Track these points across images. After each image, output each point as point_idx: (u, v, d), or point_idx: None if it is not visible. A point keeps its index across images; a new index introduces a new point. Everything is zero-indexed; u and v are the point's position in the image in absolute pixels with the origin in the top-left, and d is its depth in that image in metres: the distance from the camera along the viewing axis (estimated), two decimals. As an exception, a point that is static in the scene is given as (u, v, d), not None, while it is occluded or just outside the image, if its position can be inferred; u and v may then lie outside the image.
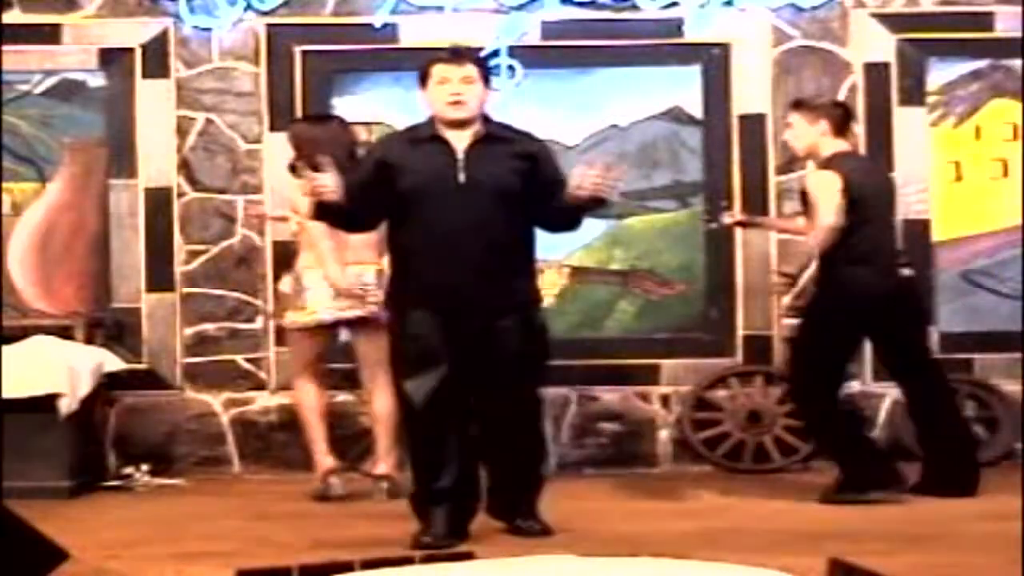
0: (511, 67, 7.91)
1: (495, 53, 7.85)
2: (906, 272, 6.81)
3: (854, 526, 5.94)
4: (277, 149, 7.57)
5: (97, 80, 8.00)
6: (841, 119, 6.84)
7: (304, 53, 7.94)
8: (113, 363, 7.52)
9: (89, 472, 7.33)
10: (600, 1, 7.94)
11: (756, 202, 7.88)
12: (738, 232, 7.81)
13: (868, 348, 7.90)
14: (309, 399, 7.01)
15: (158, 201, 7.93)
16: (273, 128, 7.82)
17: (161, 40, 7.92)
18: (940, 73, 8.02)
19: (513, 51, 7.91)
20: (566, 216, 5.54)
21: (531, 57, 7.93)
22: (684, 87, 8.00)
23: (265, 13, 7.94)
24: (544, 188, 5.47)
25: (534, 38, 7.95)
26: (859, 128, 7.95)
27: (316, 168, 5.48)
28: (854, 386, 7.83)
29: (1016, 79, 7.97)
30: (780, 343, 7.75)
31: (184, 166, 7.98)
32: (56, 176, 8.04)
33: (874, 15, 7.96)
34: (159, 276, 7.92)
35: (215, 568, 5.07)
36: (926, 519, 6.07)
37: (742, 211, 7.71)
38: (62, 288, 8.02)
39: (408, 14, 7.93)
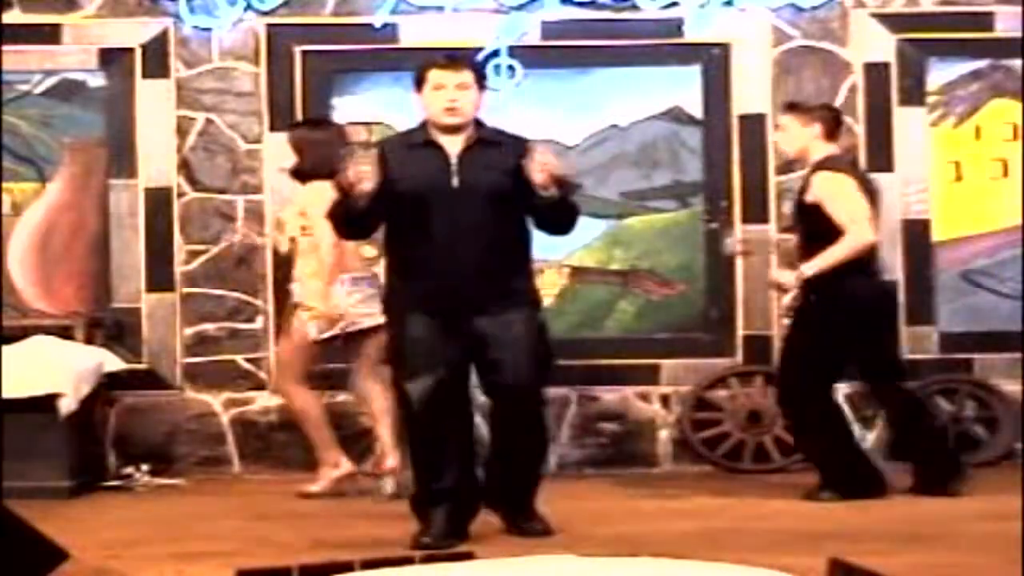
0: (511, 67, 7.91)
1: (495, 53, 7.86)
2: (886, 277, 6.88)
3: (854, 526, 5.94)
4: (277, 149, 7.56)
5: (97, 80, 8.01)
6: (833, 123, 6.85)
7: (304, 53, 7.95)
8: (113, 363, 7.52)
9: (89, 472, 7.34)
10: (600, 1, 7.94)
11: (756, 202, 7.88)
12: (738, 232, 7.80)
13: (868, 348, 7.93)
14: (314, 405, 7.04)
15: (158, 201, 7.93)
16: (273, 128, 7.82)
17: (161, 40, 7.93)
18: (940, 73, 8.02)
19: (513, 51, 7.91)
20: (549, 214, 5.51)
21: (531, 57, 7.93)
22: (684, 87, 8.00)
23: (265, 13, 7.95)
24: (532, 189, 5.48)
25: (534, 38, 7.95)
26: (859, 128, 7.96)
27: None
28: (854, 386, 7.83)
29: (1016, 79, 7.97)
30: (780, 343, 7.74)
31: (184, 166, 7.98)
32: (56, 176, 8.04)
33: (874, 15, 7.97)
34: (159, 276, 7.92)
35: (215, 568, 5.07)
36: (926, 519, 6.07)
37: (742, 211, 7.71)
38: (62, 288, 8.02)
39: (408, 14, 7.93)
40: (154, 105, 7.93)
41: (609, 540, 5.52)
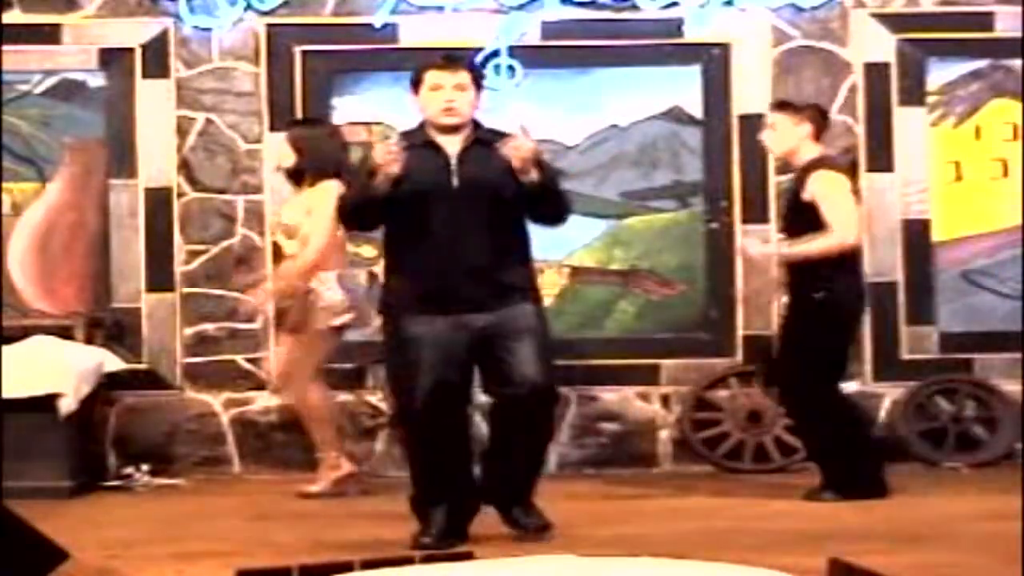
0: (511, 67, 7.91)
1: (495, 53, 7.86)
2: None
3: (854, 526, 5.94)
4: (277, 149, 7.56)
5: (97, 80, 8.01)
6: (822, 124, 6.85)
7: (304, 53, 7.95)
8: (113, 363, 7.51)
9: (89, 472, 7.34)
10: (600, 1, 7.94)
11: (756, 202, 7.89)
12: (738, 232, 7.81)
13: (868, 348, 7.93)
14: (326, 402, 7.08)
15: (158, 201, 7.93)
16: (273, 128, 7.82)
17: (161, 40, 7.93)
18: (940, 73, 8.02)
19: (513, 51, 7.91)
20: (537, 202, 5.48)
21: (531, 57, 7.93)
22: (684, 87, 8.00)
23: (265, 13, 7.95)
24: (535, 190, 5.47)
25: (534, 38, 7.95)
26: (859, 128, 7.96)
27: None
28: (854, 386, 7.84)
29: (1016, 79, 7.97)
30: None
31: (184, 166, 7.98)
32: (56, 176, 8.04)
33: (874, 15, 7.97)
34: (159, 276, 7.92)
35: (215, 568, 5.07)
36: (926, 519, 6.07)
37: (742, 211, 7.72)
38: (62, 288, 8.02)
39: (408, 14, 7.93)
40: (154, 105, 7.93)
41: (609, 540, 5.52)
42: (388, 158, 5.31)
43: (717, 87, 7.94)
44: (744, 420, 7.79)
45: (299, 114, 7.77)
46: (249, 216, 7.90)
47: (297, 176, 7.08)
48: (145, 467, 7.53)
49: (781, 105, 6.95)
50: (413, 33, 7.90)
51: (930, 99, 8.02)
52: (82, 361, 7.30)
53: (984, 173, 8.05)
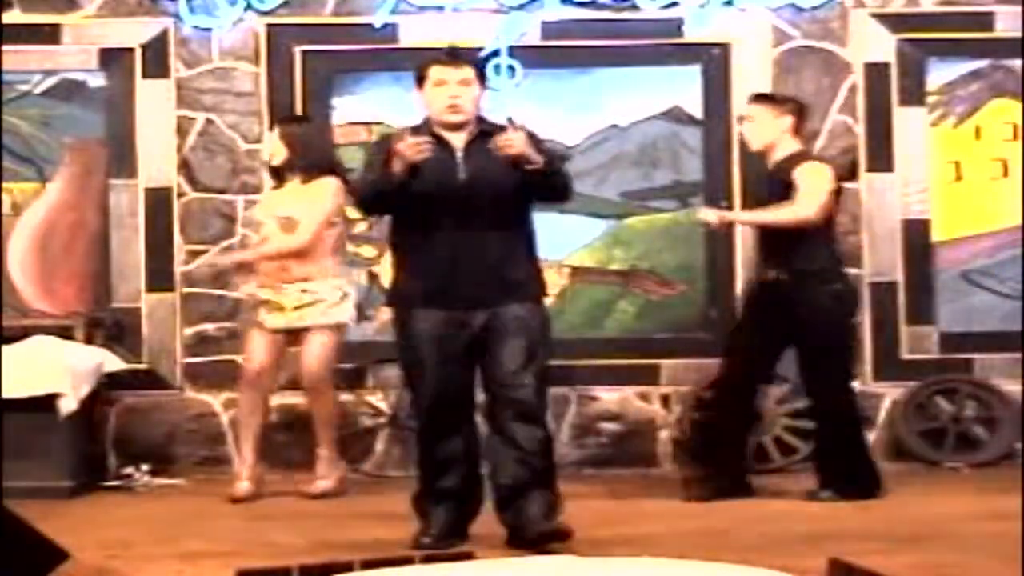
0: (511, 67, 7.91)
1: (495, 53, 7.85)
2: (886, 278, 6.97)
3: (854, 526, 5.94)
4: (267, 144, 7.56)
5: (97, 80, 8.01)
6: (801, 118, 6.84)
7: (304, 53, 7.95)
8: (113, 363, 7.51)
9: (89, 472, 7.33)
10: (600, 1, 7.94)
11: (756, 202, 7.85)
12: (738, 231, 7.80)
13: (868, 348, 7.93)
14: (337, 400, 7.16)
15: (158, 201, 7.93)
16: (273, 128, 7.81)
17: (161, 40, 7.93)
18: (940, 73, 8.02)
19: (513, 51, 7.91)
20: (539, 184, 5.45)
21: (531, 57, 7.93)
22: (684, 87, 8.00)
23: (265, 13, 7.95)
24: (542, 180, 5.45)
25: (534, 38, 7.95)
26: (859, 128, 7.96)
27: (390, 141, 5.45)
28: (854, 386, 7.83)
29: (1016, 79, 7.97)
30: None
31: (184, 166, 7.98)
32: (56, 176, 8.04)
33: (874, 15, 7.97)
34: (159, 276, 7.92)
35: (215, 568, 5.07)
36: (926, 519, 6.07)
37: (742, 211, 7.73)
38: (62, 288, 8.02)
39: (408, 14, 7.94)
40: (154, 105, 7.94)
41: (609, 540, 5.51)
42: (415, 148, 5.27)
43: (717, 87, 7.94)
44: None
45: (299, 114, 7.76)
46: (249, 216, 7.90)
47: (280, 172, 7.09)
48: (145, 467, 7.53)
49: (761, 97, 6.92)
50: (413, 33, 7.91)
51: (930, 99, 8.02)
52: (82, 361, 7.30)
53: (984, 173, 8.05)
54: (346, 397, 7.78)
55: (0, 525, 4.40)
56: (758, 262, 6.82)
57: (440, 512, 5.49)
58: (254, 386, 7.04)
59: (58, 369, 7.13)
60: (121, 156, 7.97)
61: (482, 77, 5.58)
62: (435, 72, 5.48)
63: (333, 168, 7.13)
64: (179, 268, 7.94)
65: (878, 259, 7.94)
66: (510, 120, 5.41)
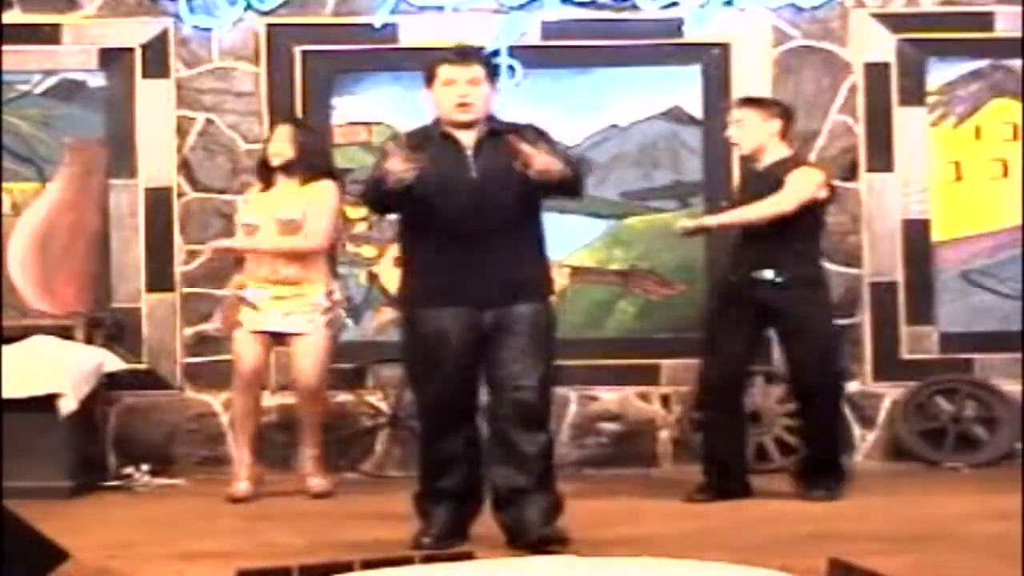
0: (511, 67, 7.91)
1: (495, 53, 7.85)
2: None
3: (854, 526, 5.94)
4: (272, 143, 7.55)
5: (97, 80, 8.01)
6: (788, 122, 6.84)
7: (304, 53, 7.95)
8: (113, 363, 7.51)
9: (89, 472, 7.33)
10: (600, 1, 7.94)
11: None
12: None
13: (868, 348, 7.93)
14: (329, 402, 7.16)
15: (158, 201, 7.94)
16: (275, 128, 7.81)
17: (161, 40, 7.93)
18: (940, 73, 8.03)
19: (513, 51, 7.91)
20: (551, 186, 5.44)
21: (531, 57, 7.93)
22: (684, 87, 8.00)
23: (265, 13, 7.95)
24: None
25: (534, 38, 7.96)
26: (859, 128, 7.97)
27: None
28: (854, 386, 7.84)
29: (1016, 79, 7.98)
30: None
31: (184, 166, 7.98)
32: (56, 176, 8.04)
33: (874, 15, 7.97)
34: (159, 276, 7.92)
35: (215, 568, 5.07)
36: (926, 519, 6.06)
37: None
38: (62, 288, 8.02)
39: (408, 14, 7.94)
40: (154, 105, 7.94)
41: (609, 540, 5.51)
42: (405, 166, 5.25)
43: (717, 87, 7.94)
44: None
45: (299, 114, 7.77)
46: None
47: (271, 173, 7.06)
48: (145, 467, 7.53)
49: (749, 101, 6.92)
50: (413, 33, 7.91)
51: (930, 99, 8.02)
52: (82, 361, 7.30)
53: (984, 173, 8.05)
54: (346, 397, 7.79)
55: (0, 525, 4.40)
56: (739, 261, 6.79)
57: (440, 512, 5.48)
58: (245, 387, 7.04)
59: (58, 369, 7.14)
60: (121, 156, 7.97)
61: (492, 76, 5.51)
62: (444, 71, 5.43)
63: (331, 171, 7.14)
64: (179, 268, 7.94)
65: (878, 259, 7.95)
66: (526, 131, 5.39)
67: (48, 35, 7.94)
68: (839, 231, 7.84)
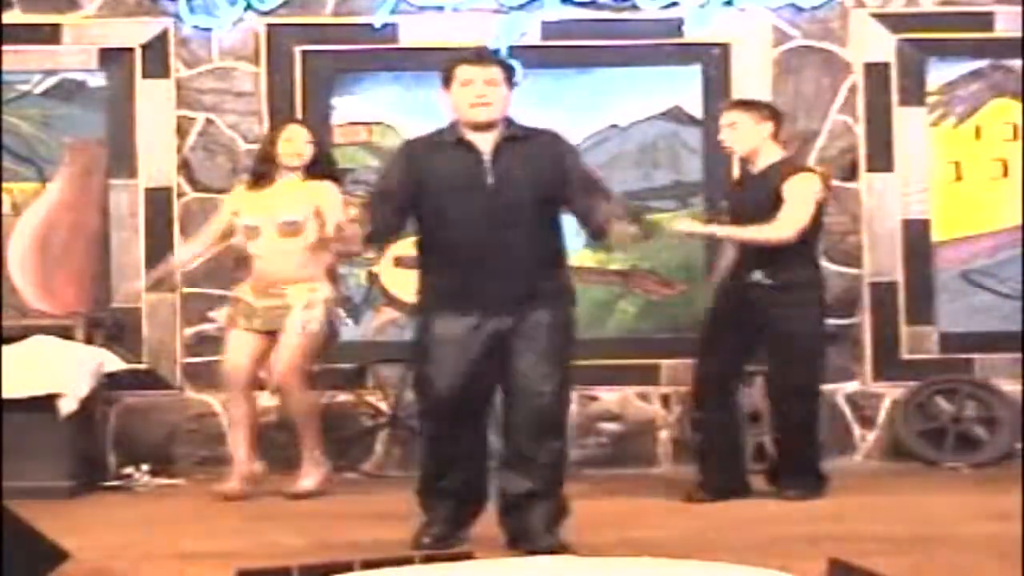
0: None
1: (495, 53, 7.84)
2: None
3: (854, 526, 5.93)
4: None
5: (97, 80, 8.01)
6: (779, 124, 6.85)
7: (304, 53, 7.95)
8: (113, 363, 7.51)
9: (89, 472, 7.33)
10: (600, 1, 7.94)
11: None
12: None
13: (868, 348, 7.93)
14: (317, 399, 7.08)
15: (158, 201, 7.94)
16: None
17: (161, 40, 7.93)
18: (940, 73, 8.03)
19: (513, 51, 7.91)
20: (591, 228, 5.48)
21: (531, 57, 7.93)
22: (684, 87, 8.00)
23: (265, 13, 7.95)
24: (571, 187, 5.38)
25: (534, 38, 7.95)
26: (859, 128, 7.97)
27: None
28: (854, 386, 7.85)
29: (1016, 79, 7.98)
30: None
31: (184, 166, 7.98)
32: (56, 176, 8.04)
33: (874, 15, 7.97)
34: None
35: (215, 568, 5.07)
36: (926, 519, 6.06)
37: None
38: (62, 288, 8.02)
39: (408, 14, 7.94)
40: (154, 105, 7.94)
41: (609, 540, 5.51)
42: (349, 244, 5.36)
43: (717, 87, 7.94)
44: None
45: (299, 114, 7.77)
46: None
47: (268, 172, 7.06)
48: (145, 467, 7.53)
49: (742, 104, 6.92)
50: (413, 33, 7.91)
51: (930, 99, 8.03)
52: (82, 361, 7.30)
53: (984, 173, 8.06)
54: (346, 397, 7.79)
55: (0, 525, 4.40)
56: (738, 261, 6.81)
57: (440, 512, 5.47)
58: (232, 385, 7.06)
59: (58, 369, 7.13)
60: (121, 156, 7.97)
61: (510, 78, 5.43)
62: (462, 71, 5.37)
63: (332, 171, 7.13)
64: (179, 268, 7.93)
65: (878, 259, 7.95)
66: (544, 137, 5.43)
67: (48, 35, 7.94)
68: (839, 231, 7.84)
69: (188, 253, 7.42)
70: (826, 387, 7.62)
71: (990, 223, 8.04)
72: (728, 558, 4.24)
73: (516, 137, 5.38)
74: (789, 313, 6.63)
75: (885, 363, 7.93)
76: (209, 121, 7.98)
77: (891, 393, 7.91)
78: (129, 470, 7.52)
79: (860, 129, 7.95)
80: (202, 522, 6.37)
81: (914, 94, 7.99)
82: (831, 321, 7.56)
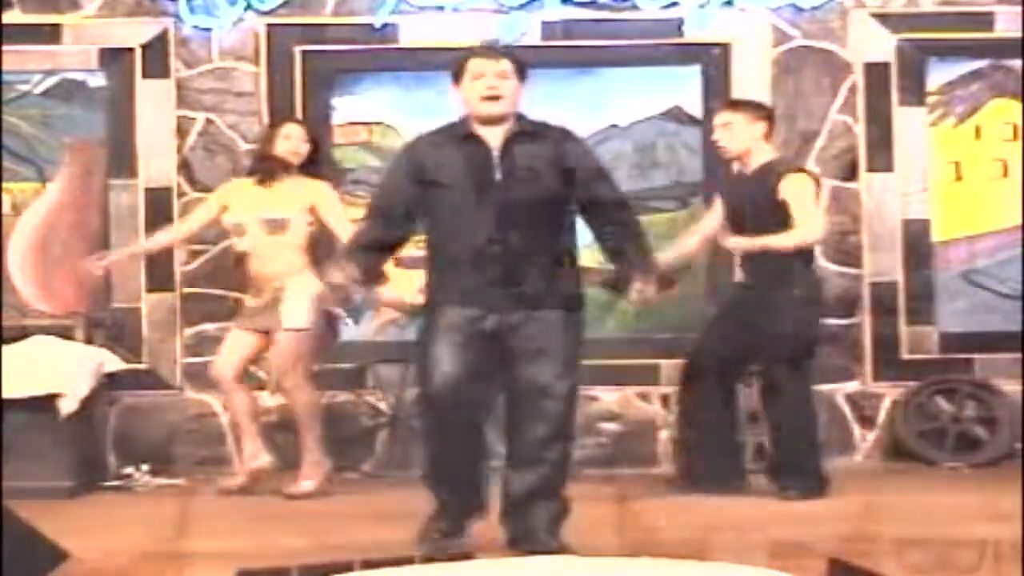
0: (511, 67, 7.90)
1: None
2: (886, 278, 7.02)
3: (854, 526, 5.94)
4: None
5: (97, 80, 8.01)
6: (772, 124, 6.86)
7: (304, 53, 7.95)
8: (113, 363, 7.51)
9: (89, 472, 7.33)
10: (600, 1, 7.94)
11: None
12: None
13: (868, 348, 7.93)
14: (317, 399, 7.10)
15: (158, 201, 7.93)
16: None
17: (161, 40, 7.93)
18: (940, 73, 8.02)
19: (513, 51, 7.89)
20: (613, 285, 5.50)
21: (531, 57, 7.89)
22: (684, 87, 8.00)
23: (265, 13, 7.95)
24: (583, 188, 5.40)
25: (534, 38, 7.95)
26: (859, 128, 7.96)
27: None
28: (854, 386, 7.85)
29: (1016, 79, 7.97)
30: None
31: (184, 166, 7.98)
32: (56, 176, 8.04)
33: (874, 15, 7.97)
34: (159, 276, 7.92)
35: (215, 568, 5.07)
36: (926, 519, 6.06)
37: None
38: (62, 288, 8.02)
39: (408, 14, 7.93)
40: (154, 105, 7.94)
41: (609, 540, 5.51)
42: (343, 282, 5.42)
43: (717, 87, 7.94)
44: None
45: (299, 114, 7.76)
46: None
47: (269, 169, 7.06)
48: (145, 467, 7.53)
49: (736, 104, 6.94)
50: (413, 33, 7.90)
51: (930, 99, 8.02)
52: (82, 361, 7.30)
53: (984, 173, 8.05)
54: (346, 397, 7.79)
55: (0, 525, 4.40)
56: (741, 262, 6.84)
57: (441, 510, 5.45)
58: (220, 382, 7.11)
59: (58, 369, 7.13)
60: (121, 156, 7.97)
61: (521, 73, 5.43)
62: (473, 65, 5.36)
63: (328, 170, 7.14)
64: (179, 268, 7.93)
65: (878, 259, 7.94)
66: (553, 132, 5.44)
67: (48, 35, 7.94)
68: (839, 231, 7.84)
69: (166, 238, 7.50)
70: (826, 387, 7.67)
71: (990, 223, 8.04)
72: (728, 558, 4.24)
73: (526, 132, 5.36)
74: (775, 313, 6.64)
75: (885, 363, 7.93)
76: (209, 121, 7.98)
77: (891, 393, 7.91)
78: (129, 470, 7.52)
79: (860, 129, 7.95)
80: (202, 522, 6.37)
81: (914, 94, 7.99)
82: (831, 321, 7.60)
